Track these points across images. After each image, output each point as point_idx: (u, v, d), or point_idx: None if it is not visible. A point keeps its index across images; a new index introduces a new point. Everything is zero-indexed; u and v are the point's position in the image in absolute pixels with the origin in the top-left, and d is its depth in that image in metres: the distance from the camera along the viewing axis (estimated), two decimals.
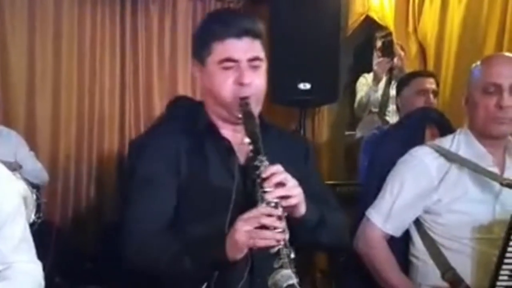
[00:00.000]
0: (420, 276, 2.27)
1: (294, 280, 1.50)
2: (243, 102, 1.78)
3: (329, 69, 4.37)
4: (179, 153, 1.84)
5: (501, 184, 2.14)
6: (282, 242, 1.56)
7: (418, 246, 2.28)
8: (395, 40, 4.55)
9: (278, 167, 1.65)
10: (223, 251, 1.62)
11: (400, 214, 2.25)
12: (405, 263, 2.31)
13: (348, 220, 2.01)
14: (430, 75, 3.69)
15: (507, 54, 2.36)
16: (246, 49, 1.80)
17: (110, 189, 4.69)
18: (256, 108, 1.82)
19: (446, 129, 2.44)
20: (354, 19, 4.88)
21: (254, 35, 1.82)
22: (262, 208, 1.60)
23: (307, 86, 4.26)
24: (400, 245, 2.32)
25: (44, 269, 2.59)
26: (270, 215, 1.57)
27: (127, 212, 1.85)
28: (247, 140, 1.71)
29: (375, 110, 4.51)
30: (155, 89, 4.94)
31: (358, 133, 4.66)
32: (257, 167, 1.64)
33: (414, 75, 3.72)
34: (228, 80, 1.80)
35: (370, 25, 4.85)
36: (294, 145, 2.00)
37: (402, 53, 4.50)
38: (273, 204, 1.60)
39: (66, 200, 4.62)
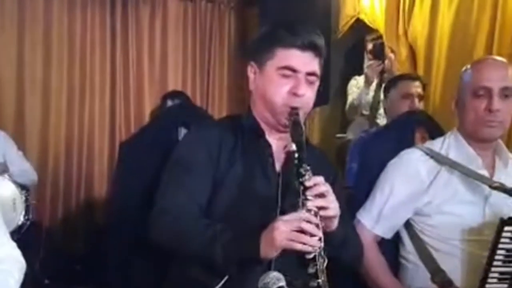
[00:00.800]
0: (410, 278, 2.27)
1: (283, 283, 1.53)
2: (293, 111, 1.82)
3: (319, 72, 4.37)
4: (221, 147, 1.87)
5: (491, 187, 2.15)
6: (317, 250, 1.60)
7: (408, 248, 2.28)
8: (385, 43, 4.56)
9: (321, 179, 1.69)
10: (257, 246, 1.64)
11: (390, 216, 2.26)
12: (395, 265, 2.31)
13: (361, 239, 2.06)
14: (416, 78, 3.68)
15: (497, 57, 2.37)
16: (307, 62, 1.84)
17: (100, 191, 4.68)
18: (302, 117, 1.85)
19: (435, 132, 2.45)
20: (344, 21, 4.89)
21: (317, 51, 1.87)
22: (303, 214, 1.63)
23: None
24: (390, 247, 2.32)
25: (33, 270, 2.57)
26: (309, 222, 1.61)
27: (159, 193, 1.85)
28: (293, 147, 1.74)
29: (366, 112, 4.52)
30: (146, 90, 4.93)
31: (349, 136, 4.66)
32: (302, 175, 1.67)
33: (399, 78, 3.73)
34: (284, 87, 1.84)
35: (360, 27, 4.86)
36: (325, 166, 2.01)
37: (393, 56, 4.51)
38: (313, 212, 1.64)
39: (55, 202, 4.60)
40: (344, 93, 4.79)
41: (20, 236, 3.49)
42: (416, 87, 3.57)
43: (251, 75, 1.94)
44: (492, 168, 2.26)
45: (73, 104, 4.69)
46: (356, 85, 4.64)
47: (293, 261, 1.63)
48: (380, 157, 2.36)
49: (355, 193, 2.46)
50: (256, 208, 1.82)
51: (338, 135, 4.95)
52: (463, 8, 4.15)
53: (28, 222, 3.53)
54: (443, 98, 4.16)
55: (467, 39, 4.10)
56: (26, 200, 3.61)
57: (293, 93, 1.83)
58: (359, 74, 4.74)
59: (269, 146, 1.91)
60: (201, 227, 1.73)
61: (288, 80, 1.84)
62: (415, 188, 2.23)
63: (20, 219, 3.53)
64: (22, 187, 3.62)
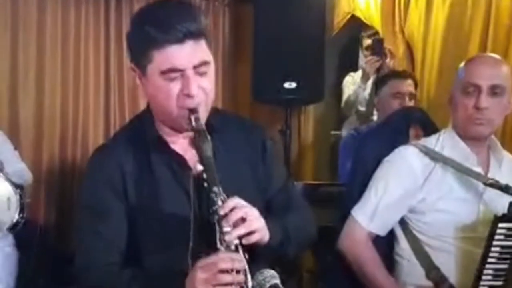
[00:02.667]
0: (405, 275, 2.27)
1: (277, 280, 1.49)
2: (193, 117, 1.63)
3: (314, 68, 4.37)
4: (124, 174, 1.71)
5: (485, 184, 2.15)
6: (246, 280, 1.48)
7: (403, 245, 2.28)
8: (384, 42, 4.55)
9: (236, 202, 1.54)
10: None
11: (385, 213, 2.26)
12: (390, 262, 2.31)
13: (312, 212, 1.94)
14: (408, 76, 3.66)
15: (491, 55, 2.37)
16: (190, 55, 1.61)
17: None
18: (204, 113, 1.69)
19: (430, 128, 2.44)
20: (339, 18, 4.87)
21: (198, 36, 1.63)
22: (220, 254, 1.49)
23: (293, 85, 4.25)
24: (385, 244, 2.32)
25: (28, 269, 2.56)
26: (229, 260, 1.47)
27: (78, 244, 1.77)
28: (200, 167, 1.59)
29: (363, 109, 4.52)
30: (140, 88, 4.91)
31: (344, 133, 4.66)
32: (214, 202, 1.52)
33: (391, 76, 3.71)
34: (173, 91, 1.63)
35: (355, 24, 4.85)
36: (252, 138, 1.86)
37: (393, 53, 4.49)
38: (233, 247, 1.49)
39: (50, 200, 4.59)
40: (339, 90, 4.79)
41: (14, 234, 3.48)
42: (407, 86, 3.56)
43: (137, 80, 1.72)
44: (486, 165, 2.26)
45: (67, 102, 4.67)
46: (351, 81, 4.63)
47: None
48: (375, 154, 2.35)
49: (349, 190, 2.46)
50: (183, 231, 1.65)
51: (333, 132, 4.95)
52: (457, 3, 4.15)
53: (23, 221, 3.51)
54: (437, 95, 4.17)
55: (461, 36, 4.10)
56: (21, 199, 3.59)
57: (185, 94, 1.62)
58: (354, 70, 4.73)
59: (178, 155, 1.72)
60: (122, 285, 1.63)
61: (176, 81, 1.62)
62: (409, 185, 2.23)
63: (15, 217, 3.51)
64: (17, 185, 3.61)
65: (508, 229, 2.03)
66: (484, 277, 2.05)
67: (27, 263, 3.26)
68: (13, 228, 3.48)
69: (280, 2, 4.41)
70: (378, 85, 3.72)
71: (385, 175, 2.27)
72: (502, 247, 2.05)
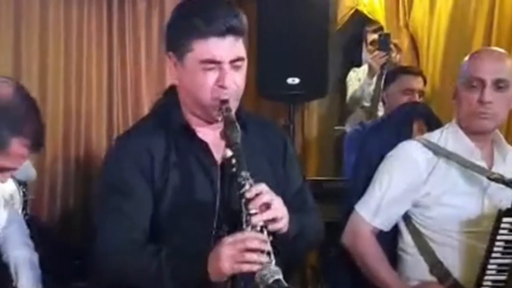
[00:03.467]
0: (409, 270, 2.27)
1: (280, 275, 1.47)
2: (225, 107, 1.71)
3: (318, 64, 4.35)
4: (152, 158, 1.75)
5: (489, 178, 2.15)
6: (268, 265, 1.51)
7: (407, 240, 2.28)
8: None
9: (263, 187, 1.59)
10: (205, 273, 1.57)
11: (389, 208, 2.25)
12: (393, 257, 2.30)
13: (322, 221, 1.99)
14: (418, 73, 3.65)
15: (495, 49, 2.37)
16: (229, 49, 1.71)
17: (97, 186, 4.67)
18: (234, 106, 1.75)
19: (433, 123, 2.43)
20: (343, 13, 4.86)
21: (238, 33, 1.73)
22: (247, 233, 1.54)
23: (296, 80, 4.23)
24: (388, 239, 2.31)
25: None
26: (255, 239, 1.53)
27: (99, 224, 1.77)
28: (229, 153, 1.64)
29: (367, 104, 4.50)
30: (143, 85, 4.91)
31: (347, 128, 4.64)
32: (242, 185, 1.58)
33: (402, 71, 3.69)
34: (209, 81, 1.71)
35: (359, 19, 4.83)
36: (273, 138, 1.93)
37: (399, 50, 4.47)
38: (258, 228, 1.55)
39: (53, 197, 4.59)
40: (342, 86, 4.78)
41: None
42: (418, 83, 3.54)
43: (172, 67, 1.79)
44: (490, 159, 2.25)
45: (69, 99, 4.68)
46: (356, 77, 4.62)
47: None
48: (378, 149, 2.35)
49: (353, 185, 2.45)
50: (201, 213, 1.73)
51: (337, 127, 4.93)
52: None
53: (26, 218, 3.52)
54: (441, 90, 4.15)
55: (466, 29, 4.09)
56: (24, 195, 3.60)
57: (220, 86, 1.70)
58: (358, 66, 4.72)
59: (204, 143, 1.78)
60: (146, 260, 1.65)
61: (213, 72, 1.70)
62: (413, 180, 2.22)
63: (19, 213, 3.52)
64: (20, 182, 3.61)
65: None
66: (488, 272, 2.05)
67: None
68: None
69: None
70: (387, 80, 3.70)
71: (389, 170, 2.27)
72: (506, 241, 2.05)
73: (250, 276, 1.52)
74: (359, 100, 4.49)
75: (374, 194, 2.27)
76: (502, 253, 2.05)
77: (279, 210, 1.61)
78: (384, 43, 4.28)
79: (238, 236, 1.55)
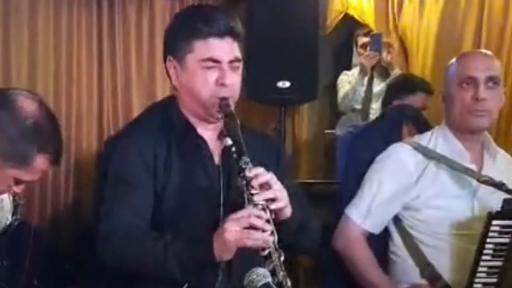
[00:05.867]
0: (399, 273, 2.27)
1: (269, 279, 1.49)
2: (224, 103, 1.78)
3: (308, 67, 4.35)
4: (155, 154, 1.81)
5: (478, 181, 2.16)
6: (271, 245, 1.57)
7: (397, 243, 2.28)
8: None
9: (262, 169, 1.66)
10: (210, 250, 1.61)
11: (379, 211, 2.25)
12: (384, 260, 2.31)
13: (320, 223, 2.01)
14: (432, 92, 3.63)
15: (483, 50, 2.38)
16: (228, 50, 1.81)
17: (88, 190, 4.64)
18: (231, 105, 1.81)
19: (423, 126, 2.44)
20: (333, 17, 4.86)
21: (236, 35, 1.83)
22: (250, 210, 1.60)
23: (286, 84, 4.23)
24: (379, 242, 2.31)
25: (23, 271, 2.54)
26: (259, 217, 1.58)
27: (103, 213, 1.80)
28: (229, 142, 1.71)
29: (358, 107, 4.51)
30: (133, 88, 4.88)
31: (338, 131, 4.65)
32: (243, 169, 1.64)
33: (421, 87, 3.65)
34: (209, 79, 1.79)
35: (349, 23, 4.85)
36: (266, 148, 1.98)
37: (391, 49, 4.47)
38: (260, 207, 1.60)
39: (44, 201, 4.57)
40: (332, 89, 4.79)
41: (9, 235, 3.45)
42: (428, 101, 3.53)
43: (171, 70, 1.87)
44: (480, 162, 2.26)
45: (59, 102, 4.65)
46: (346, 80, 4.62)
47: (251, 262, 1.59)
48: (368, 152, 2.35)
49: (343, 188, 2.46)
50: (202, 208, 1.79)
51: (327, 131, 4.94)
52: (450, 1, 4.16)
53: (16, 222, 3.49)
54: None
55: (455, 33, 4.11)
56: (14, 200, 3.57)
57: (220, 84, 1.79)
58: (348, 69, 4.73)
59: (204, 141, 1.85)
60: (150, 243, 1.70)
61: (212, 71, 1.79)
62: (403, 182, 2.23)
63: (8, 218, 3.49)
64: None
65: (502, 226, 2.03)
66: (478, 274, 2.05)
67: (22, 265, 3.24)
68: (7, 229, 3.46)
69: (273, 1, 4.39)
70: (403, 87, 3.66)
71: (379, 173, 2.27)
72: (496, 244, 2.05)
73: (255, 252, 1.57)
74: (351, 101, 4.49)
75: (364, 197, 2.27)
76: (492, 255, 2.05)
77: (279, 190, 1.67)
78: (375, 43, 4.30)
79: (242, 212, 1.60)
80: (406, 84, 3.73)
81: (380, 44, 4.30)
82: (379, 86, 4.48)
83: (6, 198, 3.56)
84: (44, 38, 4.58)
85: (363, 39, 4.56)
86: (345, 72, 4.70)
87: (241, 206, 1.63)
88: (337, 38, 5.04)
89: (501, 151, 2.35)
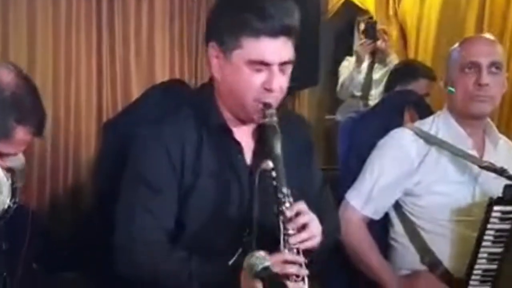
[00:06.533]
0: (399, 260, 2.27)
1: (268, 263, 1.45)
2: (269, 112, 1.62)
3: (309, 53, 4.32)
4: (183, 152, 1.67)
5: (480, 166, 2.14)
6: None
7: (398, 229, 2.27)
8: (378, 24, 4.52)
9: (303, 206, 1.56)
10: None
11: (380, 196, 2.24)
12: (384, 246, 2.30)
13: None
14: (435, 78, 3.59)
15: (486, 35, 2.36)
16: (280, 51, 1.62)
17: (87, 176, 4.65)
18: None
19: (424, 112, 2.43)
20: (334, 2, 4.85)
21: (291, 33, 1.65)
22: (286, 255, 1.52)
23: None
24: (379, 229, 2.31)
25: (21, 255, 2.54)
26: (293, 262, 1.51)
27: (121, 216, 1.68)
28: (270, 165, 1.56)
29: (358, 93, 4.50)
30: (133, 77, 4.87)
31: (338, 117, 4.64)
32: (282, 202, 1.53)
33: (424, 73, 3.62)
34: (256, 82, 1.62)
35: (351, 8, 4.83)
36: (300, 136, 1.85)
37: (386, 37, 4.46)
38: (295, 251, 1.53)
39: (42, 185, 4.56)
40: (334, 75, 4.77)
41: (7, 220, 3.44)
42: (431, 87, 3.51)
43: (213, 60, 1.67)
44: (481, 148, 2.25)
45: (59, 92, 4.63)
46: (348, 66, 4.61)
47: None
48: (369, 137, 2.34)
49: (343, 174, 2.44)
50: (230, 217, 1.67)
51: (328, 116, 4.93)
52: None
53: (14, 206, 3.48)
54: None
55: (457, 18, 4.09)
56: (12, 183, 3.56)
57: (266, 89, 1.61)
58: (350, 55, 4.71)
59: (239, 145, 1.71)
60: (175, 266, 1.61)
61: (260, 74, 1.61)
62: (404, 168, 2.21)
63: (7, 202, 3.48)
64: (8, 169, 3.57)
65: (503, 212, 2.03)
66: (478, 261, 2.05)
67: (20, 249, 3.24)
68: (5, 213, 3.45)
69: None
70: (406, 73, 3.63)
71: (380, 158, 2.26)
72: (497, 230, 2.04)
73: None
74: (348, 88, 4.49)
75: (364, 182, 2.26)
76: (493, 241, 2.05)
77: (315, 228, 1.58)
78: (370, 31, 4.29)
79: (276, 257, 1.50)
80: (409, 70, 3.70)
81: (375, 32, 4.29)
82: (379, 73, 4.46)
83: (5, 181, 3.56)
84: (42, 28, 4.55)
85: (364, 25, 4.55)
86: (348, 58, 4.68)
87: (272, 225, 1.55)
88: (338, 24, 5.02)
89: (503, 138, 2.34)
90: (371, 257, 2.23)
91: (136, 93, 4.80)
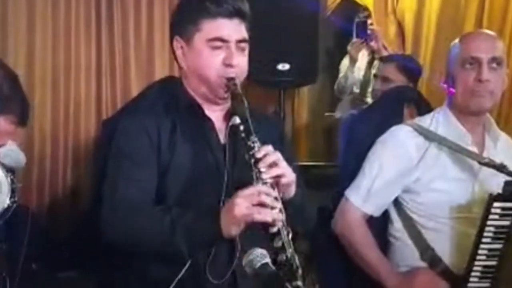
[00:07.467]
0: (399, 256, 2.26)
1: (268, 259, 1.49)
2: (231, 83, 1.78)
3: (308, 50, 4.33)
4: (159, 132, 1.80)
5: (480, 163, 2.14)
6: (280, 222, 1.59)
7: (397, 226, 2.27)
8: (371, 21, 4.52)
9: (270, 148, 1.67)
10: (218, 225, 1.62)
11: (379, 193, 2.24)
12: (384, 243, 2.30)
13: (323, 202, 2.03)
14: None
15: (486, 31, 2.36)
16: (236, 30, 1.80)
17: (87, 173, 4.64)
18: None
19: (424, 108, 2.43)
20: None
21: (244, 16, 1.83)
22: (260, 187, 1.62)
23: (286, 66, 4.21)
24: (379, 225, 2.30)
25: (20, 255, 2.53)
26: (268, 194, 1.60)
27: (106, 189, 1.79)
28: (237, 120, 1.71)
29: (357, 91, 4.50)
30: (132, 70, 4.86)
31: (338, 114, 4.65)
32: (251, 148, 1.66)
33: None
34: (216, 59, 1.79)
35: (350, 5, 4.82)
36: (269, 127, 1.96)
37: (378, 35, 4.45)
38: (269, 184, 1.63)
39: (42, 185, 4.56)
40: (333, 72, 4.77)
41: (6, 219, 3.44)
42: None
43: (178, 51, 1.86)
44: (481, 145, 2.25)
45: (58, 86, 4.63)
46: (346, 64, 4.61)
47: (258, 239, 1.60)
48: (369, 134, 2.33)
49: (343, 171, 2.44)
50: (206, 187, 1.78)
51: (327, 113, 4.93)
52: None
53: (14, 205, 3.47)
54: (432, 74, 4.15)
55: (457, 15, 4.08)
56: (12, 183, 3.55)
57: (227, 64, 1.78)
58: None
59: (210, 121, 1.84)
60: (157, 217, 1.69)
61: (220, 51, 1.79)
62: (404, 165, 2.21)
63: (6, 201, 3.47)
64: (8, 169, 3.56)
65: (503, 208, 2.03)
66: (478, 257, 2.05)
67: (19, 249, 3.24)
68: (5, 212, 3.45)
69: None
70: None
71: (380, 155, 2.25)
72: (497, 226, 2.04)
73: (265, 230, 1.59)
74: (343, 88, 4.49)
75: (364, 179, 2.25)
76: (493, 238, 2.05)
77: (286, 167, 1.69)
78: (361, 31, 4.30)
79: (251, 189, 1.61)
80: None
81: (366, 30, 4.29)
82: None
83: (4, 181, 3.55)
84: (41, 21, 4.55)
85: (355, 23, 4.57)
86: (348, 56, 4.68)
87: (247, 185, 1.64)
88: (338, 21, 5.01)
89: (503, 134, 2.33)
90: (370, 253, 2.23)
91: (135, 88, 4.79)
